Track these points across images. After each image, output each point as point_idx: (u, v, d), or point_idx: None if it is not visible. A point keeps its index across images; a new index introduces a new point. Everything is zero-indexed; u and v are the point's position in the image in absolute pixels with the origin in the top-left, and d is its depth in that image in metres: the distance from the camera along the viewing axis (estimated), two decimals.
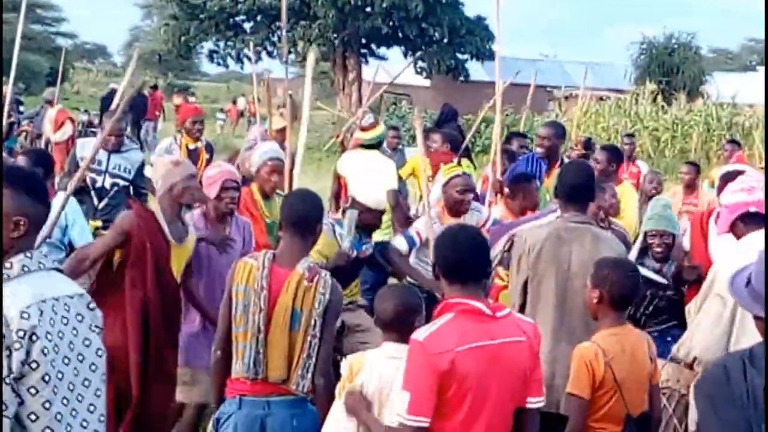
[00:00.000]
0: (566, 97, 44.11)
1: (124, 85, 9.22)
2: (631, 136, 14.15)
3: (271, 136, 9.60)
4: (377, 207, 7.21)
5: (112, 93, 29.23)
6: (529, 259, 5.58)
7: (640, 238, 6.86)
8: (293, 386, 4.67)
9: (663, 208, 6.67)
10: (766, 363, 2.91)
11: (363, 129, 9.77)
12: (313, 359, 4.66)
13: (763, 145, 33.01)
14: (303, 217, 4.85)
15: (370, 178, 8.82)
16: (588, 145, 12.56)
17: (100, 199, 8.55)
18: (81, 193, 8.05)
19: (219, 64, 49.71)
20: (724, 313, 5.03)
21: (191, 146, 10.02)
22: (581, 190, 5.70)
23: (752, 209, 5.15)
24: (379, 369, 4.42)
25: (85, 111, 28.53)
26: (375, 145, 9.70)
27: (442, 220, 7.38)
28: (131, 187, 8.87)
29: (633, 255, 6.94)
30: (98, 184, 8.65)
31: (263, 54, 48.88)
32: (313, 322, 4.66)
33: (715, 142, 32.81)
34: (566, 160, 9.25)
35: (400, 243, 7.57)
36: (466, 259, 3.98)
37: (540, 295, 5.59)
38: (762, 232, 5.03)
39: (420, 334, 3.90)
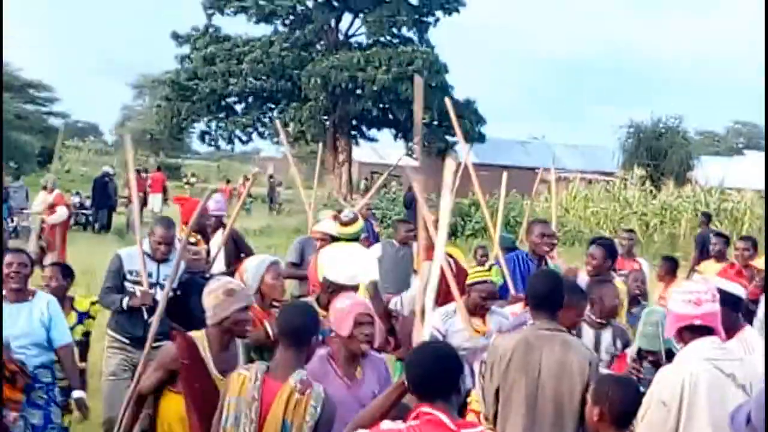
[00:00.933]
0: (555, 180, 44.42)
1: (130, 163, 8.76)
2: (630, 231, 13.74)
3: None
4: (348, 283, 7.09)
5: (105, 175, 29.56)
6: (500, 368, 5.60)
7: (634, 349, 6.85)
8: None
9: (652, 326, 6.59)
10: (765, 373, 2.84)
11: (343, 224, 9.69)
12: None
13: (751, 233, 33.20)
14: (298, 330, 4.85)
15: (344, 259, 8.68)
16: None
17: (150, 314, 7.56)
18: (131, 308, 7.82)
19: (210, 144, 50.08)
20: (669, 420, 4.99)
21: (191, 240, 9.70)
22: (549, 299, 5.72)
23: (697, 322, 5.16)
24: None
25: (77, 193, 28.53)
26: (353, 239, 9.61)
27: (462, 315, 7.31)
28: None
29: (630, 358, 6.91)
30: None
31: (254, 134, 49.31)
32: None
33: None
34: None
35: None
36: (434, 377, 4.06)
37: (511, 402, 5.57)
38: (705, 340, 5.07)
39: (383, 425, 4.10)
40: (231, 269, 11.37)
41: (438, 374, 4.07)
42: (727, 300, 5.65)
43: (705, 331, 5.11)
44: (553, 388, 5.45)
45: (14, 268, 6.83)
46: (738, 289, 5.87)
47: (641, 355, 6.72)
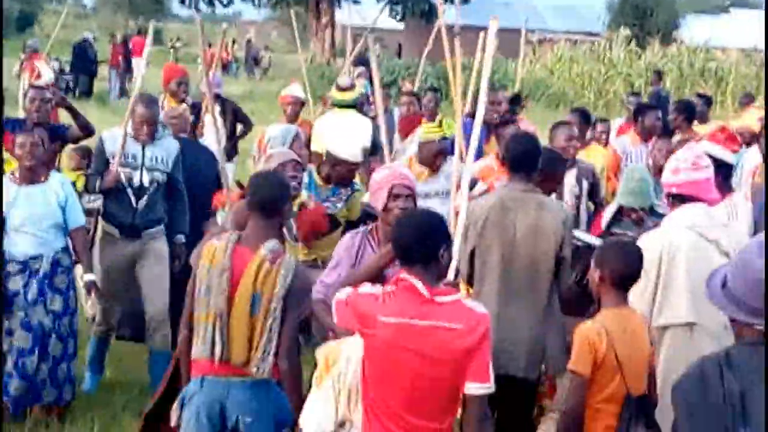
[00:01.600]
0: (540, 42, 43.99)
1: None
2: (703, 96, 13.23)
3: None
4: (351, 159, 7.13)
5: (85, 40, 29.08)
6: (476, 229, 5.63)
7: (615, 207, 6.83)
8: (253, 369, 4.59)
9: (638, 183, 6.60)
10: (766, 369, 2.87)
11: (340, 89, 9.59)
12: (274, 343, 4.58)
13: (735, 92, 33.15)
14: (268, 199, 4.79)
15: (344, 132, 8.69)
16: (516, 99, 11.41)
17: (138, 198, 7.27)
18: (116, 191, 7.27)
19: (190, 6, 49.27)
20: (648, 286, 5.07)
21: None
22: (525, 160, 5.68)
23: (673, 190, 5.19)
24: (356, 361, 4.34)
25: (56, 59, 28.03)
26: (350, 105, 9.53)
27: (413, 170, 7.33)
28: (169, 182, 7.51)
29: (606, 218, 6.93)
30: (135, 182, 7.30)
31: None
32: (273, 306, 4.58)
33: (688, 87, 32.88)
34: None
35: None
36: (412, 243, 4.03)
37: (486, 263, 5.62)
38: (691, 207, 5.11)
39: (360, 288, 4.16)
40: (234, 140, 11.31)
41: (417, 240, 4.03)
42: (718, 167, 5.66)
43: (682, 200, 5.14)
44: (528, 249, 5.48)
45: (27, 149, 6.64)
46: (727, 155, 5.84)
47: (622, 212, 6.75)
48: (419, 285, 3.93)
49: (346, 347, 4.50)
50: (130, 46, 30.88)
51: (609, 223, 6.90)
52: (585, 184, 7.51)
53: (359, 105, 10.12)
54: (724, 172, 5.83)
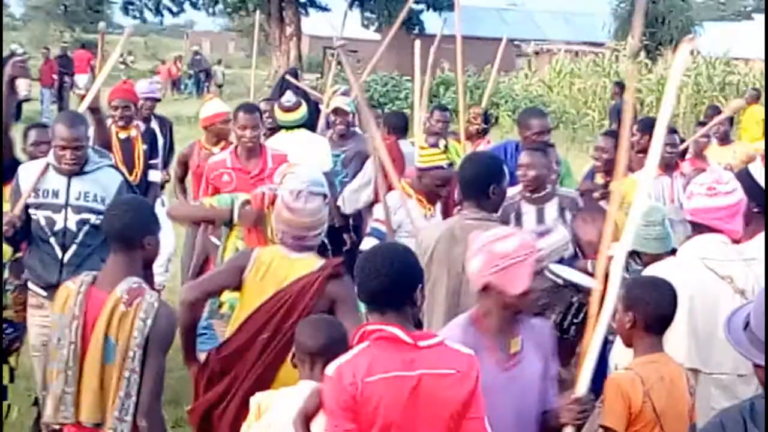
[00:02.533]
0: (536, 53, 44.28)
1: None
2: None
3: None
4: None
5: (12, 55, 28.99)
6: (423, 261, 5.53)
7: (625, 251, 6.83)
8: (110, 430, 4.45)
9: (661, 226, 6.27)
10: (767, 414, 2.88)
11: (285, 110, 9.55)
12: (133, 398, 4.44)
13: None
14: (126, 230, 4.64)
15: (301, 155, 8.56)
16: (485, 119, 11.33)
17: (64, 248, 6.52)
18: (38, 241, 6.58)
19: (135, 17, 49.34)
20: None
21: (122, 135, 9.08)
22: (475, 184, 5.74)
23: (688, 217, 5.25)
24: (289, 411, 4.30)
25: None
26: (296, 127, 9.45)
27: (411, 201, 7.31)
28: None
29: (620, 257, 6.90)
30: (58, 226, 6.52)
31: (186, 4, 48.59)
32: (131, 354, 4.45)
33: (705, 104, 33.00)
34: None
35: (370, 243, 7.39)
36: (383, 285, 3.97)
37: (434, 297, 5.65)
38: (708, 237, 5.14)
39: (330, 367, 3.94)
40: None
41: (389, 283, 3.96)
42: (759, 197, 5.65)
43: (709, 228, 5.16)
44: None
45: None
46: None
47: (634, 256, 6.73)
48: (398, 332, 3.89)
49: (281, 395, 4.49)
50: (71, 60, 30.88)
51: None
52: (568, 217, 7.49)
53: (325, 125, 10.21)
54: (760, 201, 5.80)
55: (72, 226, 6.50)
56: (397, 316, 3.96)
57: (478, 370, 3.97)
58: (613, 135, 8.48)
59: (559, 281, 5.56)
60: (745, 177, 5.77)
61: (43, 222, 6.51)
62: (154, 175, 9.10)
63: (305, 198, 5.50)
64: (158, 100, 11.15)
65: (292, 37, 45.98)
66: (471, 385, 3.92)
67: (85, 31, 67.34)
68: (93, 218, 6.46)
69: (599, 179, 8.26)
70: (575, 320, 5.31)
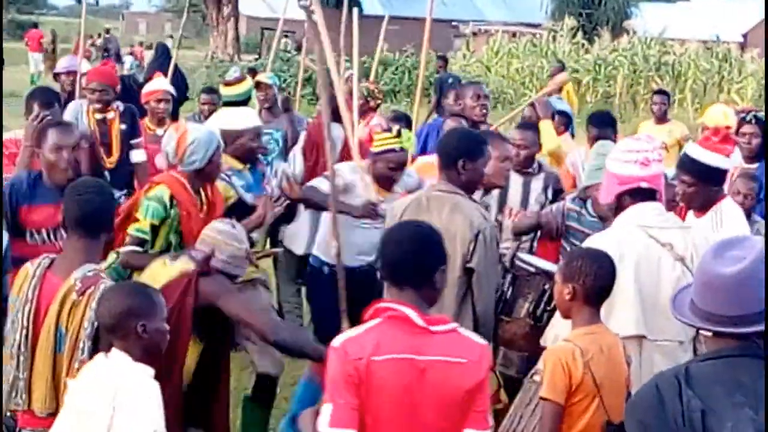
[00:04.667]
0: (474, 34, 44.33)
1: None
2: (662, 93, 13.23)
3: None
4: (246, 125, 7.00)
5: None
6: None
7: (579, 189, 6.94)
8: None
9: (604, 158, 6.42)
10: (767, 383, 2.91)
11: (227, 84, 9.45)
12: None
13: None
14: (86, 214, 4.56)
15: (231, 111, 8.33)
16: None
17: None
18: None
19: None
20: None
21: (98, 116, 8.46)
22: (447, 158, 5.71)
23: (644, 185, 5.21)
24: (84, 377, 4.17)
25: None
26: (239, 102, 9.32)
27: (370, 192, 7.21)
28: None
29: (569, 202, 7.00)
30: None
31: None
32: (80, 344, 4.34)
33: (642, 85, 33.33)
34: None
35: (319, 182, 7.28)
36: (405, 261, 3.94)
37: None
38: (645, 206, 5.15)
39: (338, 339, 3.90)
40: None
41: (412, 257, 3.94)
42: (709, 174, 5.76)
43: (647, 195, 5.18)
44: None
45: None
46: (721, 161, 5.85)
47: (584, 194, 6.80)
48: (412, 314, 3.83)
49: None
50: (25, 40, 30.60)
51: (567, 215, 6.96)
52: (550, 193, 7.52)
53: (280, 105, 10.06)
54: (716, 178, 5.86)
55: None
56: (415, 296, 3.90)
57: (489, 361, 3.95)
58: (529, 127, 8.30)
59: (531, 269, 5.59)
60: (687, 161, 5.84)
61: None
62: (138, 155, 8.63)
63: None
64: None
65: (230, 18, 45.61)
66: (480, 376, 3.87)
67: (19, 12, 66.59)
68: None
69: None
70: (548, 307, 5.35)
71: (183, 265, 5.11)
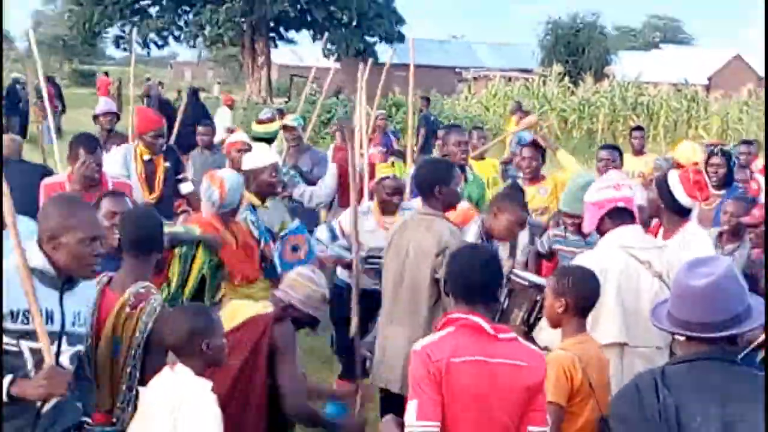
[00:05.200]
0: (475, 78, 44.43)
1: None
2: (639, 129, 13.14)
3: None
4: (265, 163, 6.99)
5: (15, 82, 28.76)
6: (385, 250, 5.82)
7: (554, 212, 6.97)
8: (114, 419, 4.37)
9: (582, 189, 6.20)
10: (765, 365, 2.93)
11: (260, 122, 9.45)
12: (134, 392, 4.35)
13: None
14: (141, 237, 4.62)
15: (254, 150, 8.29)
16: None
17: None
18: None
19: (125, 49, 48.98)
20: None
21: (146, 157, 8.29)
22: (424, 185, 5.74)
23: (620, 204, 5.21)
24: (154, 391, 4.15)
25: None
26: (267, 139, 9.32)
27: (375, 215, 7.30)
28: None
29: (552, 229, 7.01)
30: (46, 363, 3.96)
31: (169, 38, 48.34)
32: (132, 352, 4.38)
33: (621, 122, 33.37)
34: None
35: (321, 232, 7.43)
36: (477, 281, 3.98)
37: (386, 282, 5.76)
38: (625, 229, 5.12)
39: (419, 344, 3.94)
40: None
41: (486, 278, 3.99)
42: (673, 204, 5.77)
43: (626, 217, 5.16)
44: (413, 272, 5.54)
45: None
46: (685, 199, 5.85)
47: (562, 221, 6.82)
48: (484, 324, 3.88)
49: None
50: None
51: (553, 241, 6.96)
52: (536, 241, 7.49)
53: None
54: (677, 209, 5.85)
55: (66, 362, 4.03)
56: (485, 309, 3.97)
57: (545, 367, 3.97)
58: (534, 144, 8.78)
59: (525, 283, 5.59)
60: (662, 182, 5.85)
61: (26, 355, 3.90)
62: (186, 187, 8.49)
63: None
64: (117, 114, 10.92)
65: (263, 67, 45.90)
66: (539, 378, 3.90)
67: (81, 62, 66.90)
68: (82, 349, 4.19)
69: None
70: (539, 316, 5.33)
71: (262, 307, 5.05)
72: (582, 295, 4.67)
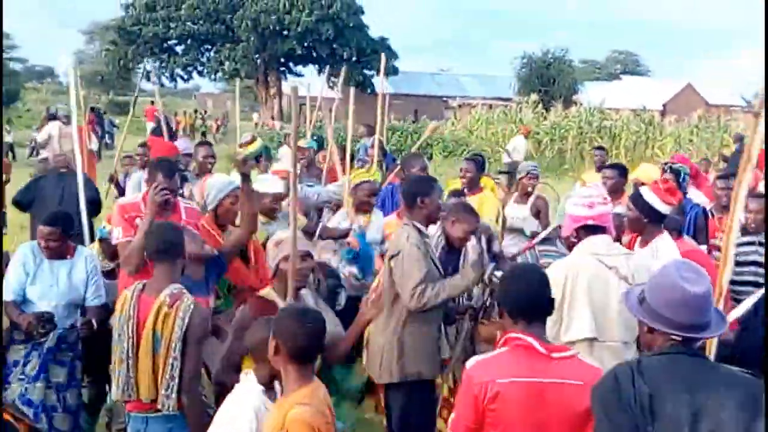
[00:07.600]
0: (460, 106, 44.46)
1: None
2: (601, 148, 13.05)
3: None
4: (267, 191, 6.98)
5: (56, 111, 28.73)
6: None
7: (553, 226, 6.94)
8: (159, 405, 4.45)
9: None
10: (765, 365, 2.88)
11: (242, 145, 9.36)
12: (176, 380, 4.41)
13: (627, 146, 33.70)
14: (168, 246, 4.62)
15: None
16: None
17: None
18: None
19: (154, 83, 48.97)
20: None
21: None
22: (407, 197, 5.67)
23: (590, 222, 5.15)
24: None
25: (37, 129, 27.46)
26: (255, 157, 9.21)
27: (350, 217, 7.34)
28: None
29: (541, 236, 6.99)
30: None
31: (193, 73, 48.51)
32: (173, 345, 4.41)
33: (587, 143, 33.33)
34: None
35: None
36: (534, 300, 3.67)
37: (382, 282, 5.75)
38: (596, 238, 5.07)
39: (470, 362, 3.67)
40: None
41: (536, 296, 3.67)
42: (650, 211, 5.71)
43: (599, 229, 5.12)
44: (385, 272, 5.55)
45: (51, 240, 5.70)
46: (660, 205, 5.80)
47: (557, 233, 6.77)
48: (535, 343, 3.55)
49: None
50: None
51: (540, 255, 6.94)
52: (483, 241, 7.38)
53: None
54: (654, 216, 5.80)
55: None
56: (540, 328, 3.66)
57: None
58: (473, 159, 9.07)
59: None
60: (638, 197, 5.81)
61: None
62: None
63: None
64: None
65: (275, 96, 46.01)
66: None
67: (117, 94, 66.85)
68: None
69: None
70: None
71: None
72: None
